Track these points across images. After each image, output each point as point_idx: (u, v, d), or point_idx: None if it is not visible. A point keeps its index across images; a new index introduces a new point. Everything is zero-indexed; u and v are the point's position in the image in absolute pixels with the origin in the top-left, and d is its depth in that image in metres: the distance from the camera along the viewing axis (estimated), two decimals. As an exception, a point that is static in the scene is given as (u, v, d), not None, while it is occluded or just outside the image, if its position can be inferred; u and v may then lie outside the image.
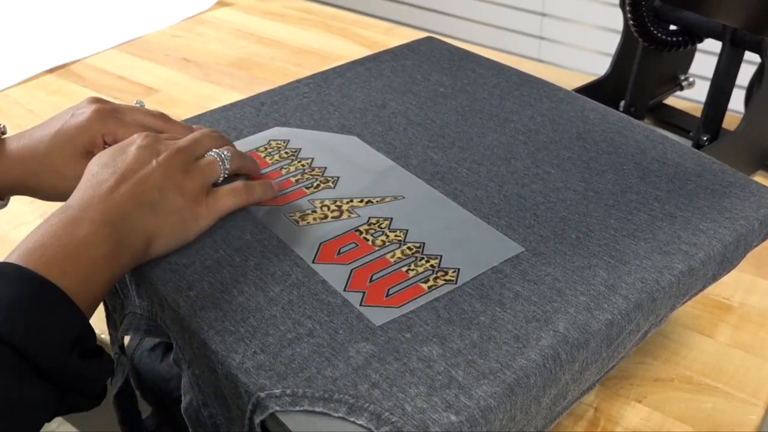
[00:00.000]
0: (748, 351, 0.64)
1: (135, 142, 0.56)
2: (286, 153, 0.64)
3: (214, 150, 0.58)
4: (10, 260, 0.46)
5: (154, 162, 0.54)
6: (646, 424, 0.58)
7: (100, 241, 0.49)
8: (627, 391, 0.61)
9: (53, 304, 0.45)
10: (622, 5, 0.90)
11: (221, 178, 0.57)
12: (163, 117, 0.64)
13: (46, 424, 0.44)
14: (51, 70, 1.11)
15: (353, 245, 0.54)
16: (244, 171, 0.60)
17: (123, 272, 0.51)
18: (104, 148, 0.61)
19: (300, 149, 0.64)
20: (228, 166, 0.57)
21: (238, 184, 0.57)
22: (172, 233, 0.53)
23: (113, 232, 0.50)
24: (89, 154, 0.60)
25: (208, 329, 0.47)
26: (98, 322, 0.68)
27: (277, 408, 0.43)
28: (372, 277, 0.51)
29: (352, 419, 0.42)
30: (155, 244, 0.52)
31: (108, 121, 0.60)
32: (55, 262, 0.46)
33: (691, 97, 1.02)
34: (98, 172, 0.53)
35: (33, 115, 1.00)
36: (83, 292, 0.47)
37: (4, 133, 0.61)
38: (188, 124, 0.65)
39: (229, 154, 0.57)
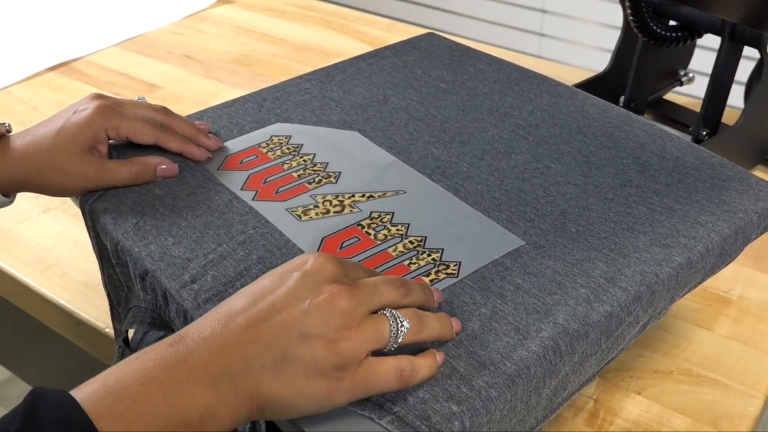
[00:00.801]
0: (747, 344, 0.65)
1: (306, 263, 0.44)
2: (288, 149, 0.65)
3: (390, 310, 0.44)
4: (78, 394, 0.39)
5: (307, 303, 0.42)
6: (646, 415, 0.59)
7: (191, 402, 0.39)
8: (627, 383, 0.61)
9: None
10: (622, 1, 0.90)
11: (387, 349, 0.43)
12: (164, 111, 0.64)
13: None
14: (54, 68, 1.12)
15: (355, 239, 0.55)
16: (418, 344, 0.45)
17: None
18: (107, 144, 0.61)
19: (302, 145, 0.65)
20: (401, 340, 0.43)
21: (404, 362, 0.43)
22: (293, 404, 0.41)
23: (213, 392, 0.40)
24: (93, 150, 0.60)
25: (212, 322, 0.48)
26: (102, 315, 0.69)
27: (281, 399, 0.43)
28: (375, 270, 0.52)
29: (354, 409, 0.43)
30: (264, 412, 0.41)
31: (110, 117, 0.60)
32: (123, 418, 0.38)
33: (690, 92, 1.03)
34: (240, 298, 0.43)
35: (36, 112, 1.01)
36: None
37: (9, 131, 0.62)
38: (190, 120, 0.66)
39: (408, 325, 0.43)
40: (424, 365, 0.43)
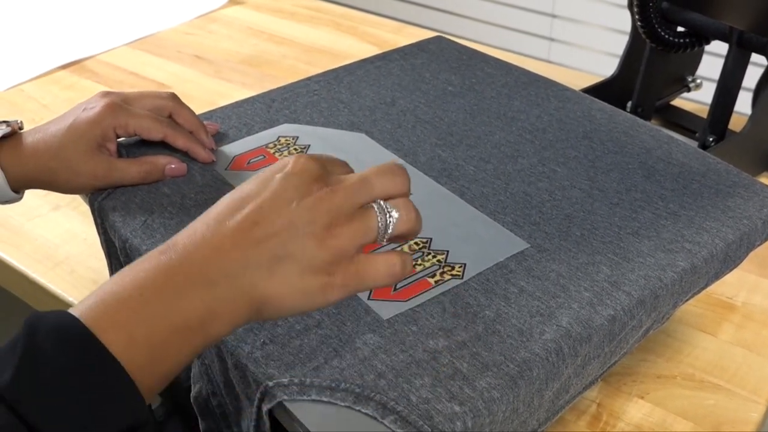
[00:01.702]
0: (750, 349, 0.65)
1: (286, 166, 0.44)
2: (295, 149, 0.65)
3: (378, 201, 0.44)
4: (76, 311, 0.39)
5: (294, 204, 0.42)
6: (648, 420, 0.59)
7: (191, 305, 0.40)
8: (630, 387, 0.62)
9: (110, 389, 0.37)
10: (630, 7, 0.90)
11: (379, 241, 0.44)
12: (172, 98, 0.65)
13: None
14: (65, 66, 1.12)
15: (361, 240, 0.55)
16: (407, 238, 0.46)
17: (211, 344, 0.42)
18: (116, 141, 0.62)
19: (309, 146, 0.65)
20: (391, 231, 0.43)
21: (394, 257, 0.44)
22: (289, 303, 0.42)
23: (212, 294, 0.40)
24: (102, 148, 0.61)
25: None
26: (110, 313, 0.69)
27: (285, 397, 0.44)
28: (379, 271, 0.52)
29: (358, 408, 0.43)
30: (262, 313, 0.42)
31: (118, 115, 0.61)
32: (126, 327, 0.38)
33: (698, 98, 1.03)
34: (226, 204, 0.43)
35: (47, 110, 1.01)
36: (152, 372, 0.39)
37: (21, 128, 0.63)
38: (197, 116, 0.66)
39: (397, 215, 0.43)
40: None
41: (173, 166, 0.61)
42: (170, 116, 0.65)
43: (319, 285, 0.42)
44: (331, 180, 0.43)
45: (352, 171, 0.47)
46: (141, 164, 0.61)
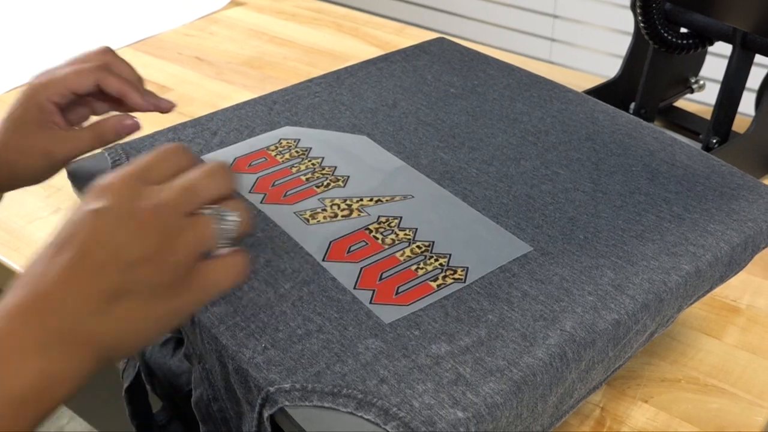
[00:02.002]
0: (755, 353, 0.65)
1: (99, 197, 0.39)
2: (297, 152, 0.65)
3: (210, 207, 0.41)
4: None
5: (116, 234, 0.38)
6: (653, 423, 0.59)
7: (23, 376, 0.36)
8: (634, 391, 0.61)
9: None
10: (633, 8, 0.90)
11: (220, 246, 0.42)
12: (105, 50, 0.63)
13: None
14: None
15: (363, 243, 0.55)
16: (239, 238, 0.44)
17: (55, 411, 0.38)
18: (59, 112, 0.60)
19: (310, 148, 0.65)
20: (232, 234, 0.42)
21: (235, 258, 0.43)
22: (142, 337, 0.40)
23: (46, 358, 0.36)
24: (48, 123, 0.60)
25: (219, 324, 0.48)
26: (110, 317, 0.69)
27: (287, 402, 0.43)
28: (381, 275, 0.52)
29: (360, 414, 0.43)
30: (113, 357, 0.39)
31: (46, 84, 0.59)
32: None
33: (701, 99, 1.03)
34: (43, 256, 0.39)
35: (47, 112, 1.01)
36: None
37: None
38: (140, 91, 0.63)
39: (235, 217, 0.42)
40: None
41: (127, 122, 0.59)
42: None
43: (168, 310, 0.39)
44: (152, 195, 0.40)
45: (185, 159, 0.43)
46: (91, 128, 0.59)
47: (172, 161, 0.43)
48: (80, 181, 0.62)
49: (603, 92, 0.96)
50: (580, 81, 1.00)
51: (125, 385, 0.61)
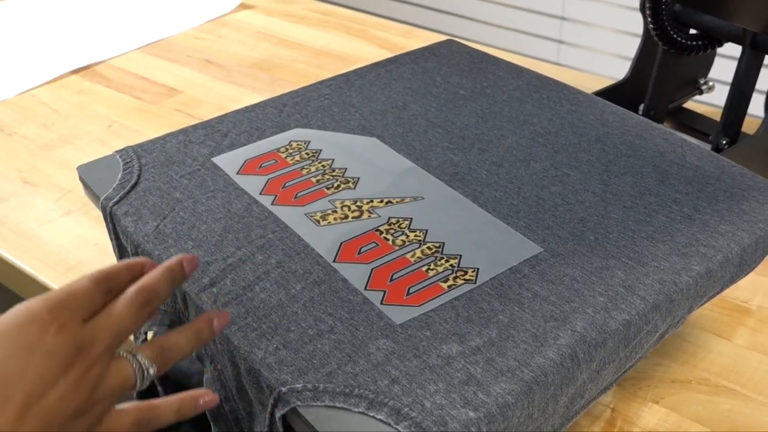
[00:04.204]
0: (766, 354, 0.65)
1: (32, 344, 0.39)
2: (307, 154, 0.65)
3: (131, 355, 0.42)
4: None
5: (54, 392, 0.39)
6: (663, 424, 0.58)
7: None
8: (644, 392, 0.61)
9: None
10: (642, 9, 0.90)
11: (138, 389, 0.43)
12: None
13: None
14: (76, 71, 1.13)
15: (373, 245, 0.55)
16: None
17: None
18: None
19: (320, 150, 0.65)
20: (148, 383, 0.43)
21: (145, 413, 0.43)
22: None
23: None
24: None
25: (231, 325, 0.48)
26: (122, 318, 0.69)
27: (299, 402, 0.44)
28: (392, 276, 0.52)
29: (371, 414, 0.43)
30: None
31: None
32: None
33: (710, 101, 1.02)
34: None
35: (58, 114, 1.01)
36: None
37: None
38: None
39: (154, 368, 0.43)
40: (169, 411, 0.44)
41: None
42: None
43: None
44: (85, 338, 0.40)
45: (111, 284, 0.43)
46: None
47: (101, 289, 0.43)
48: (91, 183, 0.63)
49: (612, 94, 0.96)
50: (589, 83, 1.00)
51: (137, 386, 0.61)
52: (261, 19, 1.30)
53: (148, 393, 0.62)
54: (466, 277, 0.52)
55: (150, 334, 0.64)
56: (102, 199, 0.60)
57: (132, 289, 0.43)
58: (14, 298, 0.81)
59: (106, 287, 0.43)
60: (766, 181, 0.61)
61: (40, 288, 0.75)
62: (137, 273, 0.45)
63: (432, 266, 0.53)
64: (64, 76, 1.11)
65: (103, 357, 0.41)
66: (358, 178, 0.62)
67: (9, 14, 1.31)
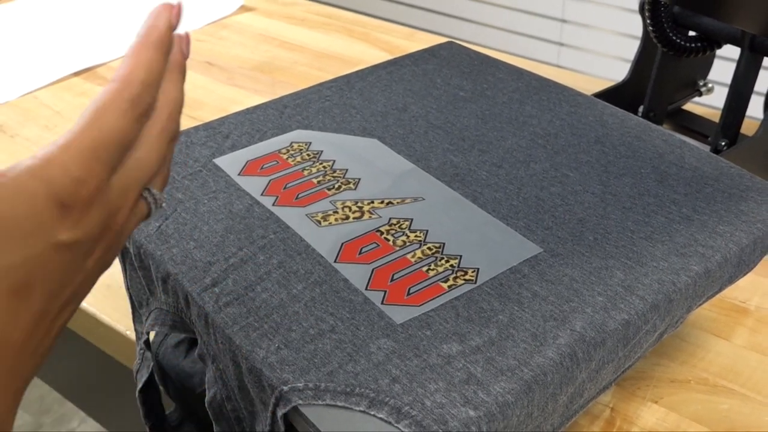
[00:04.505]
0: (764, 354, 0.65)
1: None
2: (308, 155, 0.65)
3: (147, 193, 0.39)
4: None
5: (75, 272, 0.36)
6: (663, 424, 0.59)
7: None
8: (643, 391, 0.61)
9: None
10: (642, 11, 0.90)
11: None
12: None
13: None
14: (78, 73, 1.13)
15: (374, 245, 0.55)
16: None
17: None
18: None
19: (321, 151, 0.66)
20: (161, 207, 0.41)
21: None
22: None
23: None
24: None
25: (233, 325, 0.49)
26: (123, 318, 0.70)
27: (300, 401, 0.44)
28: (393, 276, 0.52)
29: (372, 413, 0.43)
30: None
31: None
32: None
33: (709, 103, 1.03)
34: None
35: (60, 116, 1.02)
36: None
37: None
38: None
39: (164, 199, 0.40)
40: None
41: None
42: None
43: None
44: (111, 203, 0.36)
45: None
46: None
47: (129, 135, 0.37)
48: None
49: (612, 95, 0.96)
50: (589, 84, 1.01)
51: (139, 386, 0.62)
52: (262, 21, 1.30)
53: (149, 391, 0.62)
54: (466, 277, 0.52)
55: (152, 335, 0.64)
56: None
57: (163, 122, 0.38)
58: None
59: (141, 112, 0.37)
60: (765, 182, 0.62)
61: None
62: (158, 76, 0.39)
63: (432, 266, 0.53)
64: (66, 78, 1.12)
65: (127, 215, 0.37)
66: (359, 179, 0.62)
67: (11, 17, 1.32)
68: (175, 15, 0.38)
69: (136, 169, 0.37)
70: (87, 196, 0.34)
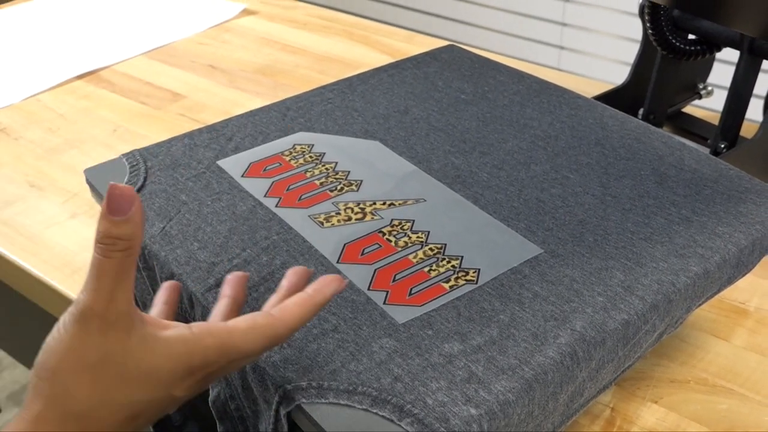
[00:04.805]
0: (764, 354, 0.65)
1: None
2: (311, 157, 0.66)
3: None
4: None
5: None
6: (662, 424, 0.59)
7: None
8: (643, 391, 0.62)
9: None
10: (641, 14, 0.91)
11: None
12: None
13: None
14: (81, 76, 1.14)
15: (376, 246, 0.56)
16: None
17: None
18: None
19: (324, 153, 0.66)
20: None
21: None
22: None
23: None
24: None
25: (237, 324, 0.49)
26: (127, 319, 0.70)
27: (303, 400, 0.45)
28: (395, 276, 0.53)
29: (375, 411, 0.44)
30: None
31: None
32: None
33: (709, 106, 1.03)
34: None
35: (63, 119, 1.02)
36: None
37: None
38: None
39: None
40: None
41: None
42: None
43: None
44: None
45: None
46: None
47: None
48: (98, 185, 0.63)
49: (612, 98, 0.97)
50: (589, 88, 1.01)
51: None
52: (264, 25, 1.31)
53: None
54: (468, 277, 0.53)
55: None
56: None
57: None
58: (20, 300, 0.82)
59: (275, 344, 0.45)
60: (763, 184, 0.62)
61: (47, 290, 0.76)
62: None
63: (434, 267, 0.54)
64: (69, 81, 1.12)
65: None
66: (361, 181, 0.62)
67: (14, 20, 1.32)
68: (340, 290, 0.46)
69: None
70: (210, 373, 0.42)
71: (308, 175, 0.63)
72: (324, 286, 0.46)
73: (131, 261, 0.39)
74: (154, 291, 0.58)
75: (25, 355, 1.05)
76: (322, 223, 0.58)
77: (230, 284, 0.49)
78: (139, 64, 1.18)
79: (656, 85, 0.94)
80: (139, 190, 0.62)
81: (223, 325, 0.43)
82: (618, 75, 1.07)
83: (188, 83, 1.11)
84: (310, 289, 0.45)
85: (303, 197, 0.61)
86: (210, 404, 0.53)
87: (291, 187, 0.62)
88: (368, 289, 0.52)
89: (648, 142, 0.67)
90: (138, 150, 0.66)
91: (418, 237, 0.56)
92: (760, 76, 0.86)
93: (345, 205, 0.60)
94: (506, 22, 2.29)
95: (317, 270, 0.53)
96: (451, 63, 0.81)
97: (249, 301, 0.51)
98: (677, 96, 0.98)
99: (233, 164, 0.65)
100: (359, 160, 0.65)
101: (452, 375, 0.45)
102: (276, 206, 0.60)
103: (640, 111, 0.97)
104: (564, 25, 2.18)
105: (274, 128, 0.70)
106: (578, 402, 0.52)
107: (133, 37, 1.25)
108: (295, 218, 0.58)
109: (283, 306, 0.44)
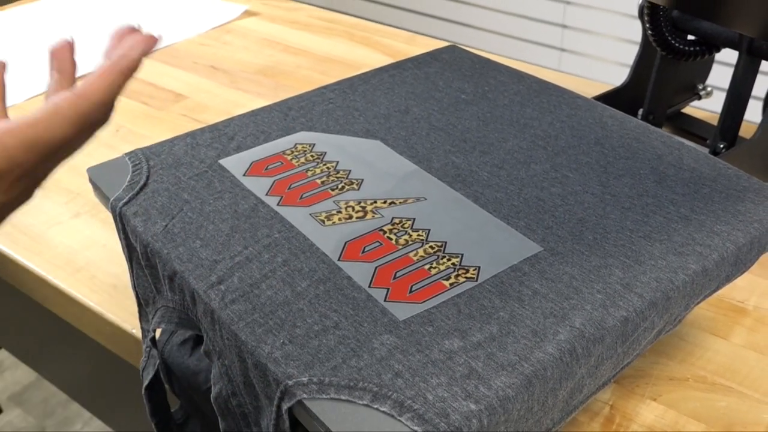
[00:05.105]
0: (762, 352, 0.66)
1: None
2: (312, 156, 0.66)
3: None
4: None
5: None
6: (661, 421, 0.60)
7: None
8: (642, 389, 0.62)
9: None
10: (641, 15, 0.91)
11: None
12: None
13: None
14: (82, 77, 1.14)
15: (377, 244, 0.56)
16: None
17: None
18: None
19: (325, 153, 0.67)
20: None
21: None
22: None
23: None
24: None
25: (238, 321, 0.50)
26: (129, 317, 0.71)
27: (305, 395, 0.45)
28: (396, 274, 0.53)
29: (375, 406, 0.44)
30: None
31: None
32: None
33: (708, 106, 1.04)
34: None
35: (65, 120, 1.03)
36: None
37: None
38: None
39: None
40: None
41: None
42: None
43: None
44: None
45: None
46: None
47: None
48: (100, 184, 0.64)
49: (611, 99, 0.97)
50: (589, 88, 1.02)
51: (145, 384, 0.63)
52: (265, 26, 1.32)
53: (155, 388, 0.63)
54: (468, 275, 0.53)
55: (158, 332, 0.65)
56: (111, 200, 0.62)
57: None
58: (23, 299, 0.83)
59: (88, 127, 0.48)
60: (762, 182, 0.63)
61: (49, 289, 0.76)
62: None
63: (434, 265, 0.54)
64: (71, 82, 1.13)
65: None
66: (362, 180, 0.63)
67: (16, 21, 1.33)
68: (150, 49, 0.43)
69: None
70: (24, 173, 0.41)
71: (309, 174, 0.64)
72: (129, 49, 0.44)
73: None
74: (157, 289, 0.59)
75: (29, 354, 1.06)
76: (324, 222, 0.58)
77: (53, 56, 0.48)
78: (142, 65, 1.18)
79: (656, 86, 0.94)
80: (141, 189, 0.62)
81: (23, 120, 0.41)
82: (618, 77, 1.08)
83: (190, 84, 1.12)
84: (114, 55, 0.44)
85: (304, 196, 0.61)
86: (212, 401, 0.54)
87: (292, 185, 0.62)
88: (369, 286, 0.52)
89: (647, 141, 0.68)
90: (140, 149, 0.67)
91: (418, 235, 0.57)
92: (759, 76, 0.87)
93: (346, 203, 0.60)
94: (507, 25, 2.30)
95: (318, 267, 0.54)
96: (451, 63, 0.82)
97: (250, 298, 0.51)
98: (676, 96, 0.99)
99: (235, 163, 0.65)
100: (360, 160, 0.66)
101: (452, 371, 0.46)
102: (277, 205, 0.60)
103: (640, 111, 0.97)
104: (564, 27, 2.19)
105: (275, 128, 0.71)
106: (577, 399, 0.52)
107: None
108: (297, 216, 0.59)
109: (84, 81, 0.42)
